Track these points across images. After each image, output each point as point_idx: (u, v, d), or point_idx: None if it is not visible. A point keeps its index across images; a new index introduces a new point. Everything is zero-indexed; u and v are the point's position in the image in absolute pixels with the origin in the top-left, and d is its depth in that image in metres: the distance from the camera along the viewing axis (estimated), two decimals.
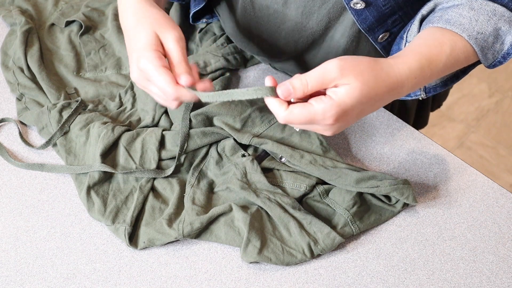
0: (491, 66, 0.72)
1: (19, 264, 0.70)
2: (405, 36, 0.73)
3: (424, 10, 0.71)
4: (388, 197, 0.74)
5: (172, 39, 0.66)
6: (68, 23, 1.00)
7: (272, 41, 0.85)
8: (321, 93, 0.60)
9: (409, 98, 0.77)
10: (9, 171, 0.79)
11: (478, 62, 0.73)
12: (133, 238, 0.71)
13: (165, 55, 0.66)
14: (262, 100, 0.81)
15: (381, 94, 0.60)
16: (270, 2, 0.78)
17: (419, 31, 0.71)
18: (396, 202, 0.73)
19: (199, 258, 0.70)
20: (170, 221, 0.71)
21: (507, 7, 0.68)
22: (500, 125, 2.01)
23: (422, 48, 0.65)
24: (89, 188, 0.74)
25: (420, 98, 0.76)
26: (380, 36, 0.76)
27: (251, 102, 0.80)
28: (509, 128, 1.99)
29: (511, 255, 0.71)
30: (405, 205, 0.74)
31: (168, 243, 0.71)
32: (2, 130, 0.84)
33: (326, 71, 0.58)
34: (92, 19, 1.01)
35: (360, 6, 0.71)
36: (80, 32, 0.97)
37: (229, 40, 0.95)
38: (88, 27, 0.99)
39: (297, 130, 0.65)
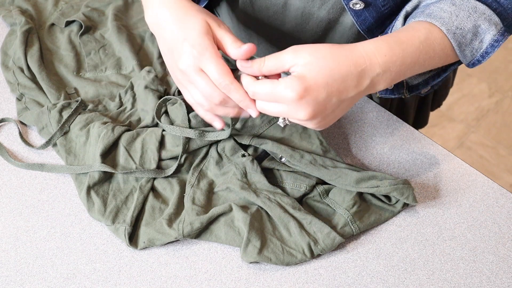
0: (470, 64, 0.71)
1: (19, 264, 0.70)
2: (389, 32, 0.73)
3: (408, 7, 0.71)
4: (388, 197, 0.74)
5: (224, 27, 0.64)
6: (68, 23, 1.00)
7: (271, 43, 0.85)
8: None
9: (392, 96, 0.77)
10: (9, 171, 0.79)
11: (459, 62, 0.73)
12: (133, 238, 0.71)
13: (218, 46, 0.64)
14: None
15: (345, 69, 0.59)
16: (270, 4, 0.78)
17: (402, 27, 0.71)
18: (396, 202, 0.73)
19: (199, 258, 0.70)
20: (170, 221, 0.71)
21: (489, 5, 0.67)
22: (500, 125, 2.01)
23: (392, 33, 0.65)
24: (89, 188, 0.74)
25: (403, 97, 0.76)
26: None
27: None
28: (509, 128, 1.99)
29: (511, 255, 0.71)
30: (405, 205, 0.74)
31: (168, 243, 0.71)
32: (2, 130, 0.84)
33: (282, 52, 0.60)
34: (92, 19, 1.01)
35: (359, 6, 0.71)
36: (80, 32, 0.97)
37: None
38: (88, 27, 0.99)
39: (281, 125, 0.64)
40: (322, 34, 0.80)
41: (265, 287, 0.68)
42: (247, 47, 0.60)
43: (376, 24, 0.74)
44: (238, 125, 0.78)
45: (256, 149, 0.78)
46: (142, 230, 0.72)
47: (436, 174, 0.79)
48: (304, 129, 0.78)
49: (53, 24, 1.00)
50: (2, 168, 0.79)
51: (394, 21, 0.73)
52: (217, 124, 0.69)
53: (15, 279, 0.68)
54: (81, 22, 0.98)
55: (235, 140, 0.78)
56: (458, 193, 0.77)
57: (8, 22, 1.00)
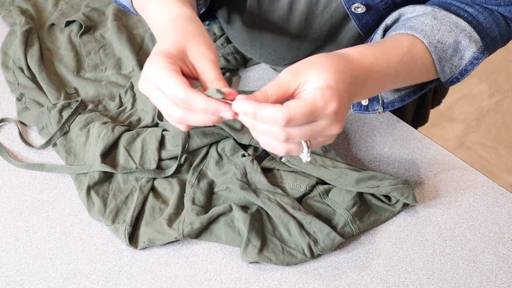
0: (448, 82, 0.70)
1: (19, 264, 0.70)
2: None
3: (388, 20, 0.70)
4: (388, 197, 0.74)
5: (210, 58, 0.55)
6: (68, 23, 1.00)
7: (274, 46, 0.85)
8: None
9: (366, 113, 0.75)
10: (9, 171, 0.79)
11: (436, 80, 0.72)
12: (133, 238, 0.71)
13: (191, 74, 0.56)
14: None
15: (349, 73, 0.55)
16: (276, 8, 0.77)
17: None
18: (396, 202, 0.73)
19: (199, 258, 0.70)
20: (170, 221, 0.71)
21: (469, 22, 0.67)
22: (500, 125, 2.01)
23: (376, 42, 0.64)
24: (89, 188, 0.74)
25: (378, 113, 0.74)
26: None
27: None
28: (509, 128, 1.99)
29: (511, 255, 0.71)
30: (405, 205, 0.74)
31: (168, 243, 0.71)
32: (2, 130, 0.84)
33: (279, 78, 0.53)
34: (92, 19, 1.01)
35: (361, 10, 0.71)
36: (80, 32, 0.97)
37: (229, 40, 0.95)
38: (88, 27, 0.99)
39: (308, 159, 0.54)
40: (324, 39, 0.80)
41: (265, 287, 0.68)
42: (230, 91, 0.52)
43: (376, 26, 0.74)
44: (238, 125, 0.78)
45: (256, 149, 0.78)
46: (142, 230, 0.72)
47: (436, 174, 0.79)
48: None
49: (53, 24, 1.00)
50: (2, 168, 0.79)
51: (373, 34, 0.71)
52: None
53: (15, 279, 0.68)
54: (81, 22, 0.98)
55: (235, 140, 0.78)
56: (458, 193, 0.77)
57: (8, 22, 1.00)
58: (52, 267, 0.69)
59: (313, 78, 0.52)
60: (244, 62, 0.94)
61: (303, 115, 0.49)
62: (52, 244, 0.71)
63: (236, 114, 0.52)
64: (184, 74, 0.55)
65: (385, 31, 0.70)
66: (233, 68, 0.92)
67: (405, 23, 0.67)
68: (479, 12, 0.69)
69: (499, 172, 1.86)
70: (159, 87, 0.53)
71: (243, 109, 0.50)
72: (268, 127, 0.51)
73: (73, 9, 1.03)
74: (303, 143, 0.53)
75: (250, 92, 0.84)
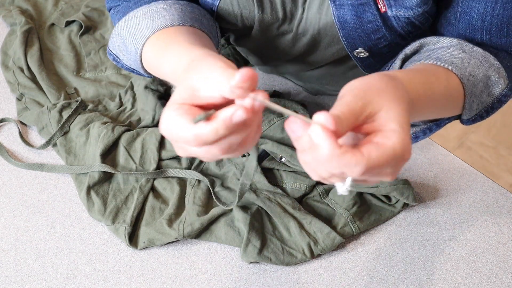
0: (470, 120, 0.65)
1: (19, 264, 0.70)
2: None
3: (408, 50, 0.64)
4: (388, 197, 0.74)
5: (207, 70, 0.46)
6: (68, 23, 1.00)
7: (278, 63, 0.85)
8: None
9: None
10: (9, 171, 0.79)
11: (455, 117, 0.66)
12: (133, 238, 0.71)
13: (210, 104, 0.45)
14: None
15: (407, 100, 0.50)
16: (280, 43, 0.76)
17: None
18: (396, 202, 0.73)
19: (199, 258, 0.70)
20: (170, 221, 0.71)
21: (496, 56, 0.64)
22: (500, 125, 2.01)
23: (420, 71, 0.58)
24: (89, 188, 0.74)
25: None
26: None
27: None
28: (509, 128, 1.99)
29: (511, 255, 0.71)
30: (405, 205, 0.74)
31: (168, 243, 0.71)
32: (2, 130, 0.84)
33: (350, 103, 0.46)
34: (92, 19, 1.01)
35: (363, 55, 0.70)
36: (80, 32, 0.97)
37: (229, 41, 0.95)
38: (88, 27, 0.99)
39: (346, 193, 0.47)
40: (324, 67, 0.80)
41: (265, 287, 0.68)
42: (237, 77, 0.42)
43: (378, 65, 0.73)
44: None
45: (256, 149, 0.78)
46: (142, 230, 0.72)
47: (436, 174, 0.79)
48: None
49: (53, 24, 1.00)
50: (2, 168, 0.79)
51: (391, 63, 0.66)
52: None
53: (15, 279, 0.68)
54: (81, 22, 0.98)
55: None
56: (458, 193, 0.77)
57: (8, 22, 1.00)
58: (52, 267, 0.69)
59: (383, 111, 0.46)
60: (245, 62, 0.94)
61: (382, 165, 0.44)
62: (52, 244, 0.71)
63: (251, 110, 0.42)
64: (203, 107, 0.46)
65: (404, 60, 0.65)
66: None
67: (430, 54, 0.62)
68: (498, 50, 0.66)
69: (499, 172, 1.86)
70: (175, 139, 0.45)
71: (320, 141, 0.42)
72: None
73: (73, 9, 1.03)
74: (349, 179, 0.46)
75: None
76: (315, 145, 0.42)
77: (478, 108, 0.64)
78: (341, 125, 0.43)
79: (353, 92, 0.46)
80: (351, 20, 0.65)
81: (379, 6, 0.63)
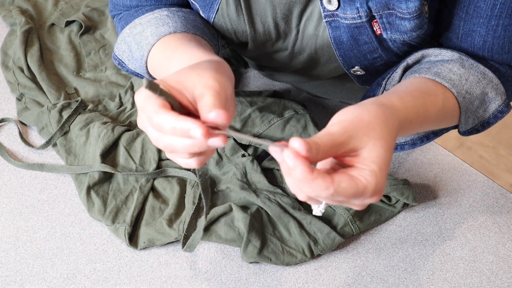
0: (467, 132, 0.67)
1: (19, 264, 0.70)
2: (383, 82, 0.67)
3: (410, 60, 0.66)
4: (388, 197, 0.74)
5: (202, 83, 0.48)
6: (68, 23, 1.00)
7: (276, 73, 0.85)
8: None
9: None
10: (9, 171, 0.79)
11: (453, 127, 0.68)
12: (133, 238, 0.71)
13: (191, 107, 0.49)
14: (262, 100, 0.81)
15: (396, 130, 0.52)
16: (278, 57, 0.76)
17: (400, 80, 0.65)
18: (396, 202, 0.73)
19: (199, 258, 0.70)
20: (170, 221, 0.71)
21: (496, 73, 0.65)
22: (500, 125, 2.00)
23: (418, 94, 0.59)
24: (89, 188, 0.74)
25: None
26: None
27: (251, 103, 0.80)
28: (509, 128, 1.99)
29: (511, 255, 0.71)
30: (405, 205, 0.74)
31: (168, 243, 0.71)
32: (2, 130, 0.84)
33: (333, 133, 0.48)
34: (92, 19, 1.01)
35: (360, 73, 0.71)
36: (80, 32, 0.97)
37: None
38: (88, 27, 0.99)
39: (319, 214, 0.53)
40: (323, 81, 0.81)
41: (265, 287, 0.68)
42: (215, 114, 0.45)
43: (374, 79, 0.73)
44: (237, 125, 0.78)
45: (256, 149, 0.78)
46: (142, 230, 0.72)
47: (436, 174, 0.79)
48: (304, 129, 0.78)
49: (53, 24, 1.00)
50: (2, 168, 0.79)
51: (391, 72, 0.67)
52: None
53: (15, 279, 0.68)
54: (81, 22, 0.98)
55: (235, 140, 0.78)
56: (458, 193, 0.77)
57: (8, 22, 1.00)
58: (52, 267, 0.69)
59: (367, 150, 0.48)
60: (245, 63, 0.94)
61: (348, 196, 0.47)
62: (52, 244, 0.71)
63: (207, 135, 0.44)
64: (182, 105, 0.49)
65: (405, 70, 0.66)
66: (233, 69, 0.92)
67: (430, 67, 0.63)
68: (500, 64, 0.67)
69: (499, 172, 1.86)
70: (144, 113, 0.48)
71: (293, 166, 0.45)
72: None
73: (73, 9, 1.03)
74: (323, 202, 0.51)
75: (249, 92, 0.84)
76: (291, 169, 0.45)
77: (474, 123, 0.66)
78: (317, 152, 0.45)
79: (342, 124, 0.48)
80: (347, 41, 0.65)
81: (375, 29, 0.63)
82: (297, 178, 0.45)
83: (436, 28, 0.68)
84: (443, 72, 0.62)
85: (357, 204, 0.50)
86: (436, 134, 0.69)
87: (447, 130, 0.69)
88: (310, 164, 0.45)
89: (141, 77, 0.72)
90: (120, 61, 0.73)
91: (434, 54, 0.65)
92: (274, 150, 0.46)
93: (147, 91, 0.45)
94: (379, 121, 0.50)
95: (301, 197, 0.49)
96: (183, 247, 0.68)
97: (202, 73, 0.49)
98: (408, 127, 0.56)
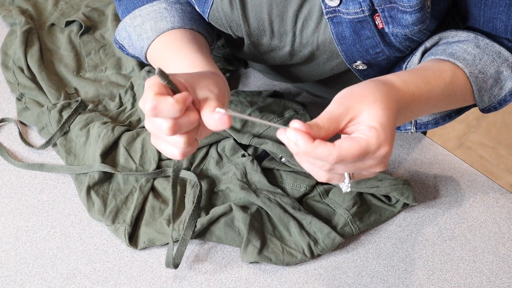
0: (486, 110, 0.69)
1: (19, 264, 0.70)
2: (404, 66, 0.70)
3: (428, 43, 0.68)
4: (388, 197, 0.74)
5: (208, 88, 0.53)
6: (68, 23, 1.00)
7: (275, 74, 0.85)
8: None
9: (398, 132, 0.74)
10: (9, 171, 0.79)
11: (474, 105, 0.70)
12: (133, 238, 0.71)
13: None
14: (262, 100, 0.81)
15: (395, 107, 0.54)
16: (277, 57, 0.76)
17: (419, 63, 0.68)
18: (396, 202, 0.73)
19: (199, 258, 0.70)
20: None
21: (511, 52, 0.66)
22: (500, 125, 2.01)
23: (419, 70, 0.62)
24: (89, 188, 0.74)
25: (410, 133, 0.74)
26: None
27: (251, 103, 0.80)
28: (509, 128, 1.99)
29: (511, 255, 0.71)
30: (405, 205, 0.74)
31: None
32: (2, 130, 0.84)
33: (332, 110, 0.52)
34: (92, 19, 1.01)
35: (362, 67, 0.71)
36: (80, 32, 0.97)
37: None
38: (88, 27, 0.99)
39: (348, 189, 0.54)
40: (327, 77, 0.81)
41: (265, 287, 0.68)
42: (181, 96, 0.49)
43: (378, 75, 0.73)
44: (238, 125, 0.78)
45: (256, 149, 0.78)
46: (142, 230, 0.72)
47: (436, 174, 0.79)
48: None
49: (53, 24, 1.00)
50: (2, 168, 0.79)
51: (411, 56, 0.69)
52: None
53: (15, 279, 0.68)
54: (81, 22, 0.98)
55: (235, 140, 0.78)
56: (458, 193, 0.77)
57: (8, 22, 1.00)
58: (52, 267, 0.69)
59: (364, 114, 0.51)
60: (245, 62, 0.94)
61: (354, 156, 0.49)
62: (52, 244, 0.72)
63: (182, 112, 0.48)
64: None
65: (423, 53, 0.68)
66: (233, 69, 0.92)
67: (446, 48, 0.65)
68: None
69: (499, 172, 1.86)
70: (145, 94, 0.51)
71: (295, 140, 0.48)
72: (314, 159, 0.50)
73: (73, 9, 1.03)
74: (346, 175, 0.53)
75: (249, 92, 0.84)
76: (296, 144, 0.48)
77: (490, 100, 0.68)
78: (319, 129, 0.49)
79: (336, 101, 0.53)
80: (350, 36, 0.66)
81: (377, 23, 0.64)
82: (302, 151, 0.48)
83: (457, 13, 0.69)
84: (457, 52, 0.64)
85: (373, 164, 0.51)
86: (458, 112, 0.72)
87: (468, 108, 0.71)
88: (311, 136, 0.48)
89: (140, 60, 0.77)
90: (121, 45, 0.77)
91: (451, 35, 0.67)
92: (280, 133, 0.49)
93: (157, 77, 0.49)
94: (371, 89, 0.54)
95: (321, 177, 0.52)
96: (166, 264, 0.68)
97: (209, 81, 0.54)
98: (412, 100, 0.58)
